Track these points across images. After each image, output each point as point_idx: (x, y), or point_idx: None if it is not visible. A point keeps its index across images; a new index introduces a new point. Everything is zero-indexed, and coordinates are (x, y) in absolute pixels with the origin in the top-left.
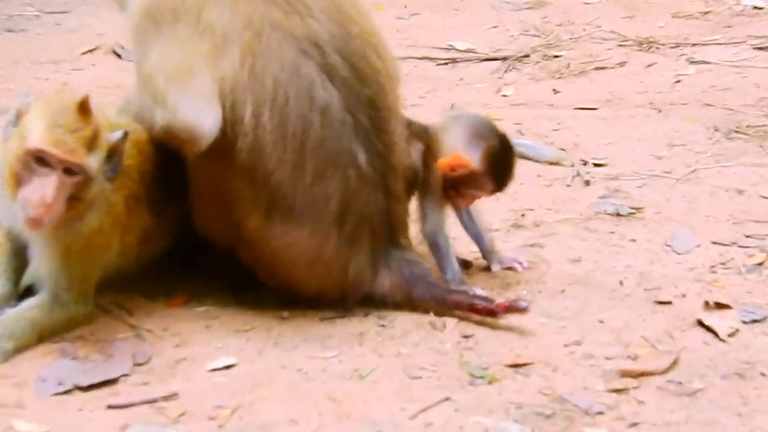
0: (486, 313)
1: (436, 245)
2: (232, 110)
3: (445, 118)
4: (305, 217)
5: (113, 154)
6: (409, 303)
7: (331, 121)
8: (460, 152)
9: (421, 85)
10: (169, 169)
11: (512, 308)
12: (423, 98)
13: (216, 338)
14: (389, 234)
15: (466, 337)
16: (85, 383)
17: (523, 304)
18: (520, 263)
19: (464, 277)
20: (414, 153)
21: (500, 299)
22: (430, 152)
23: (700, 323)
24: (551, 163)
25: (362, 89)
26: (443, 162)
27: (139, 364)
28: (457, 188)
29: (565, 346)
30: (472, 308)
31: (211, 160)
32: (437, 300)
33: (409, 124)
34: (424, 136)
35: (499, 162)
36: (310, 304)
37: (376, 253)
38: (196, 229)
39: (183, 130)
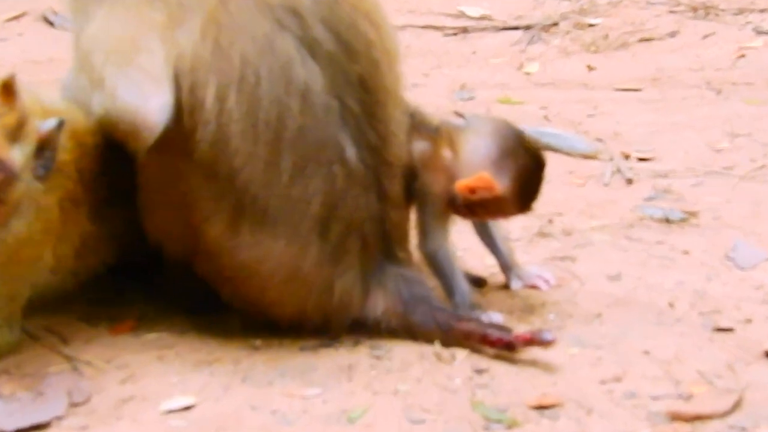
0: (502, 345)
1: (438, 265)
2: (191, 93)
3: (462, 121)
4: (280, 224)
5: (45, 146)
6: (407, 330)
7: (312, 106)
8: (485, 174)
9: (425, 60)
10: (115, 165)
11: (535, 341)
12: (426, 76)
13: (171, 372)
14: (384, 245)
15: (479, 371)
16: (10, 427)
17: (548, 336)
18: (546, 281)
19: (477, 299)
20: (415, 151)
21: (521, 326)
22: (435, 154)
23: None
24: (585, 157)
25: (352, 67)
26: (463, 184)
27: (77, 404)
28: (473, 210)
29: (602, 382)
30: (485, 340)
31: (166, 153)
32: (442, 328)
33: (414, 114)
34: (430, 133)
35: (530, 185)
36: (286, 329)
37: (368, 268)
38: (147, 238)
39: (123, 119)
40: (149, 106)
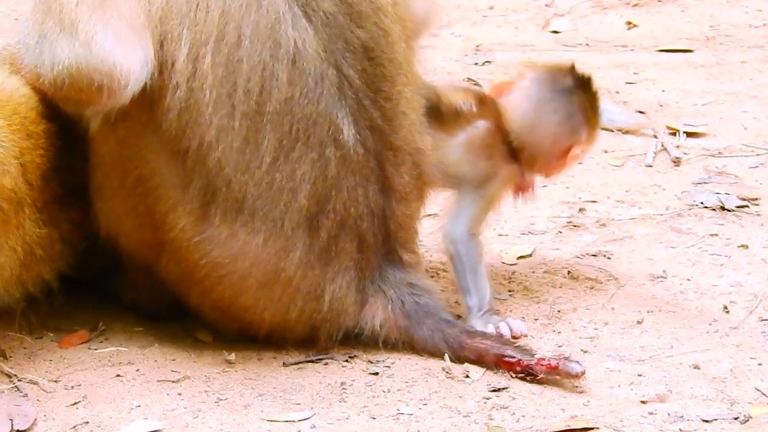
0: (521, 370)
1: (458, 256)
2: (161, 49)
3: (498, 83)
4: (259, 216)
5: None
6: (410, 346)
7: (303, 74)
8: (577, 152)
9: None
10: (70, 158)
11: (560, 371)
12: (434, 36)
13: (131, 393)
14: (385, 245)
15: (497, 390)
16: None
17: (577, 368)
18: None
19: (494, 305)
20: (467, 138)
21: (545, 337)
22: (491, 134)
23: None
24: (624, 132)
25: (354, 32)
26: (554, 169)
27: (20, 431)
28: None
29: (643, 402)
30: (502, 362)
31: (124, 124)
32: (451, 345)
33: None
34: (478, 111)
35: (598, 122)
36: (267, 341)
37: (365, 272)
38: (100, 231)
39: (100, 71)
40: (132, 59)
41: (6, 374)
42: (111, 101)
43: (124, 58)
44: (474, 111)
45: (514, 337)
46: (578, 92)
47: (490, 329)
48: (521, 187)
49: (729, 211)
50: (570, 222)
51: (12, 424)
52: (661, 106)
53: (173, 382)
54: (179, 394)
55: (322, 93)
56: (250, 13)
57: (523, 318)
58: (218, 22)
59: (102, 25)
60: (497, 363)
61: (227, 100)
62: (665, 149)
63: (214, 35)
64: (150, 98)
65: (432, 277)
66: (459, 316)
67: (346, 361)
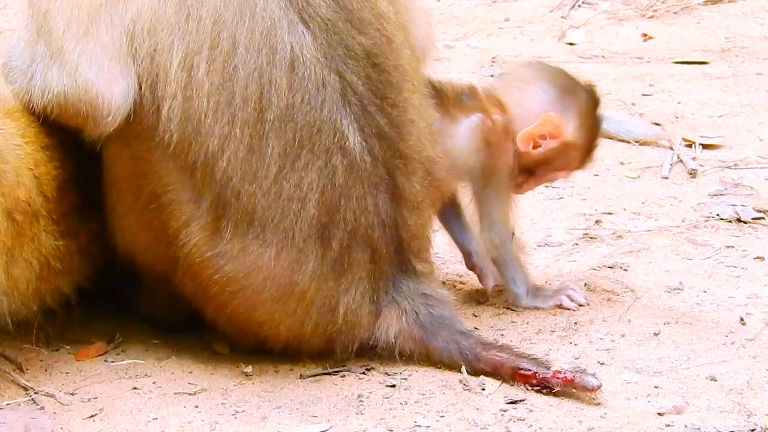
0: (537, 383)
1: (503, 256)
2: (152, 61)
3: (499, 75)
4: (270, 228)
5: None
6: (425, 358)
7: (303, 80)
8: (551, 114)
9: (448, 29)
10: (88, 170)
11: (577, 385)
12: (450, 48)
13: (148, 406)
14: (398, 255)
15: (514, 402)
16: None
17: (593, 381)
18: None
19: (535, 284)
20: (469, 128)
21: (562, 349)
22: (491, 123)
23: None
24: (641, 144)
25: (356, 38)
26: (527, 132)
27: None
28: (534, 170)
29: (660, 414)
30: (518, 374)
31: (136, 141)
32: (466, 357)
33: (444, 87)
34: (474, 103)
35: (594, 124)
36: (283, 354)
37: (378, 283)
38: (116, 246)
39: (84, 101)
40: (114, 90)
41: (22, 387)
42: (97, 129)
43: (107, 89)
44: (475, 102)
45: (580, 306)
46: (598, 115)
47: (551, 303)
48: (520, 186)
49: (745, 222)
50: (586, 234)
51: None
52: (677, 117)
53: (190, 394)
54: (196, 407)
55: (325, 99)
56: (245, 21)
57: (539, 330)
58: (211, 31)
59: (86, 56)
60: (513, 376)
61: (226, 108)
62: (681, 161)
63: (207, 43)
64: (150, 113)
65: (449, 289)
66: (476, 328)
67: (363, 373)
